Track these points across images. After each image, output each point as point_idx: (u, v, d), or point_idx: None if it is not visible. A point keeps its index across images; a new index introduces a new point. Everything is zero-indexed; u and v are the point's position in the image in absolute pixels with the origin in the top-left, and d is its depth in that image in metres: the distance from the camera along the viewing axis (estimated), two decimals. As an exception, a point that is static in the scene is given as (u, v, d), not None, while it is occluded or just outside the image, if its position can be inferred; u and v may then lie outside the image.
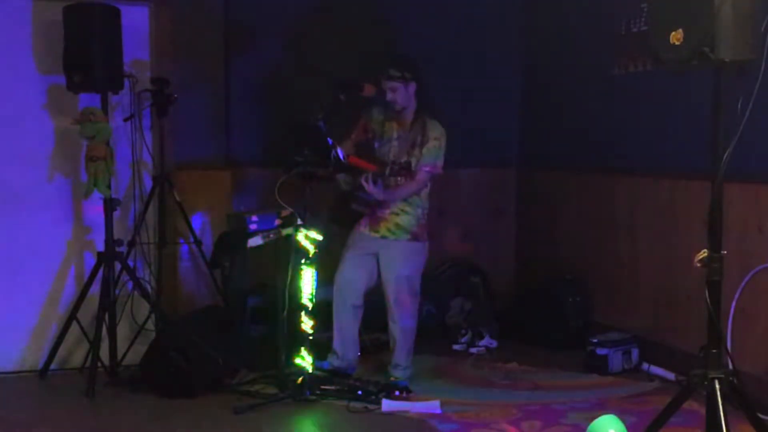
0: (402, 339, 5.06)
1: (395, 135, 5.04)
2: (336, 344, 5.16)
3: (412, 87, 4.98)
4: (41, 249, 5.45)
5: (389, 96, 4.96)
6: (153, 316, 5.46)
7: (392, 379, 5.01)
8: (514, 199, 6.95)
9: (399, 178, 4.86)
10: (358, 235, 5.10)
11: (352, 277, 5.09)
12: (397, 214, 5.00)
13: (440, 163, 4.95)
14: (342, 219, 5.11)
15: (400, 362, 5.07)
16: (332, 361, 5.14)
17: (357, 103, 5.09)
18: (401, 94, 4.96)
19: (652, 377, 5.24)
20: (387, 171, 4.71)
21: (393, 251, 5.02)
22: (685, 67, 3.37)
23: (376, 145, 5.09)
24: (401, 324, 5.05)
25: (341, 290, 5.11)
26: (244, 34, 6.03)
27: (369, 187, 4.78)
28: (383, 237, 5.03)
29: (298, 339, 4.82)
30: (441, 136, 4.96)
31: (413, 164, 4.84)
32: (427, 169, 4.93)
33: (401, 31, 6.34)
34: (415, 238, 5.04)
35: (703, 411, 3.46)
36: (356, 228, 5.10)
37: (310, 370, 4.80)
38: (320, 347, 5.10)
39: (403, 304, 5.03)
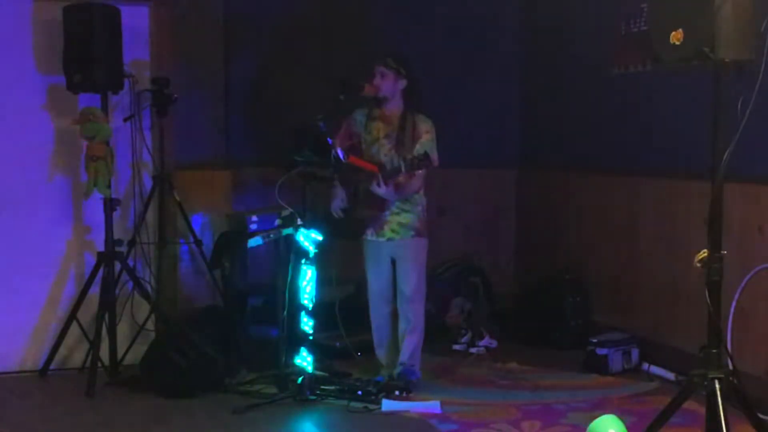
0: (409, 337, 5.05)
1: (382, 134, 5.02)
2: (382, 356, 5.18)
3: (402, 83, 4.97)
4: (41, 249, 5.45)
5: (376, 80, 4.94)
6: (153, 316, 5.46)
7: (400, 365, 4.99)
8: (514, 199, 6.95)
9: (418, 172, 4.81)
10: (368, 245, 5.09)
11: (380, 289, 5.12)
12: (398, 214, 4.99)
13: (435, 155, 4.94)
14: (344, 231, 5.09)
15: (404, 360, 5.06)
16: (385, 374, 5.11)
17: (357, 103, 5.09)
18: (389, 82, 4.95)
19: (652, 377, 5.23)
20: (403, 168, 4.70)
21: (401, 251, 5.03)
22: (685, 67, 3.38)
23: (364, 147, 5.08)
24: (413, 322, 5.04)
25: (374, 304, 5.15)
26: (244, 34, 6.03)
27: (381, 190, 4.78)
28: (390, 239, 5.02)
29: (298, 339, 4.82)
30: (431, 129, 4.97)
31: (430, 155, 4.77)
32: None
33: (401, 31, 6.34)
34: (418, 234, 5.04)
35: (703, 411, 3.46)
36: (364, 238, 5.08)
37: (310, 370, 4.80)
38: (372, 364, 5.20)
39: (413, 301, 5.04)
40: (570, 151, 6.37)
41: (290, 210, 4.88)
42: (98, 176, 5.07)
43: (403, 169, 4.70)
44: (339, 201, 5.01)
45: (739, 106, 3.28)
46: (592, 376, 5.29)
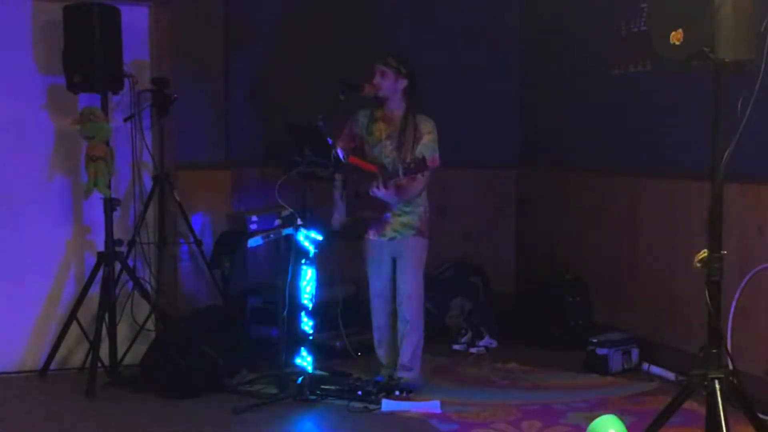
0: (408, 337, 5.04)
1: (384, 135, 5.02)
2: (382, 356, 5.17)
3: (402, 83, 4.96)
4: (41, 249, 5.45)
5: (376, 79, 4.93)
6: (153, 316, 5.46)
7: (402, 380, 4.97)
8: (514, 199, 6.95)
9: (418, 175, 4.80)
10: (370, 245, 5.08)
11: (381, 289, 5.11)
12: (400, 215, 4.99)
13: (437, 156, 4.94)
14: (346, 231, 5.09)
15: (405, 363, 5.05)
16: (385, 374, 5.10)
17: (357, 103, 5.09)
18: (389, 81, 4.94)
19: (652, 377, 5.23)
20: (401, 172, 4.69)
21: (402, 250, 5.03)
22: (685, 67, 3.38)
23: (366, 149, 5.07)
24: (411, 322, 5.03)
25: (375, 304, 5.14)
26: (244, 34, 6.03)
27: (380, 193, 4.77)
28: (392, 239, 5.02)
29: (298, 339, 4.82)
30: (433, 129, 4.96)
31: (427, 158, 4.76)
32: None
33: (401, 31, 6.34)
34: (419, 233, 5.03)
35: (703, 411, 3.46)
36: (366, 238, 5.08)
37: (310, 370, 4.80)
38: (375, 363, 5.19)
39: (411, 300, 5.03)
40: (570, 151, 6.37)
41: (290, 210, 4.88)
42: (98, 176, 5.07)
43: (400, 174, 4.70)
44: (338, 215, 5.02)
45: (739, 106, 3.29)
46: (592, 376, 5.29)
